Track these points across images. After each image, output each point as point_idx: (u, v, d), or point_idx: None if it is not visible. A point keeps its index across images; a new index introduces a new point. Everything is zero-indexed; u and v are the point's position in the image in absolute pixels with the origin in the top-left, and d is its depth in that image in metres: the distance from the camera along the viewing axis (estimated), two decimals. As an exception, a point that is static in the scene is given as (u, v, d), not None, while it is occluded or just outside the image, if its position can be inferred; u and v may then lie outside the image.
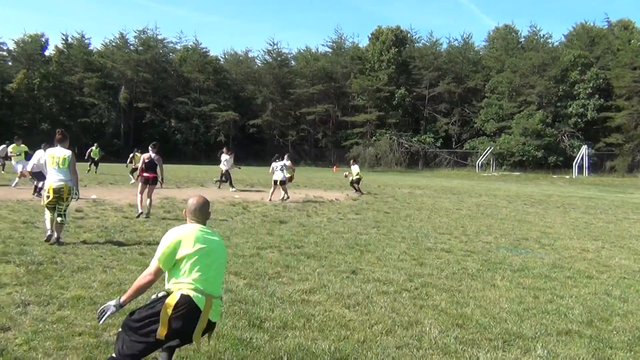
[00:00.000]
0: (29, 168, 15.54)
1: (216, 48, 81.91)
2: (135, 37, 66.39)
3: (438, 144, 61.01)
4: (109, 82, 62.96)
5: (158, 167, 12.29)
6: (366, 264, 7.72)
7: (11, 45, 64.48)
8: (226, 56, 74.73)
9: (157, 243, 8.36)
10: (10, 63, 64.31)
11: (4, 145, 22.76)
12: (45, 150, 15.96)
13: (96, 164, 27.88)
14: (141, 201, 11.91)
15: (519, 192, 26.60)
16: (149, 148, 12.63)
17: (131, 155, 24.24)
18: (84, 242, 8.42)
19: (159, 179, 12.41)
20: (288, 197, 17.24)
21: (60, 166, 8.32)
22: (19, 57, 63.20)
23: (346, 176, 22.12)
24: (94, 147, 28.66)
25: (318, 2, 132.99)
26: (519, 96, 56.55)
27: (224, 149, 21.35)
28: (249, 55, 74.67)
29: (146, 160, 12.28)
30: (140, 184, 12.29)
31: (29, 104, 58.46)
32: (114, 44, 67.28)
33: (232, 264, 7.25)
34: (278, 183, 17.36)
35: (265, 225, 11.46)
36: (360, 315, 5.25)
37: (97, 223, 10.50)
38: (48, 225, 8.32)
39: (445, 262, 8.15)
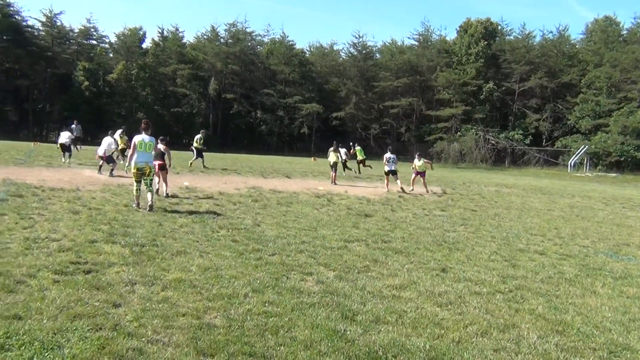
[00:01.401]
0: (100, 153, 17.38)
1: (302, 41, 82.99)
2: (225, 30, 68.40)
3: (527, 141, 58.40)
4: (200, 74, 65.37)
5: (166, 156, 13.26)
6: (456, 263, 7.57)
7: (112, 39, 68.77)
8: (312, 49, 75.40)
9: (248, 230, 8.69)
10: (111, 55, 68.37)
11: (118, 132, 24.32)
12: (112, 137, 18.16)
13: (200, 154, 23.67)
14: (159, 185, 13.04)
15: (616, 195, 25.00)
16: (158, 141, 13.94)
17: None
18: (181, 226, 8.84)
19: (168, 165, 13.46)
20: (402, 189, 18.63)
21: (147, 150, 10.74)
22: (119, 50, 67.05)
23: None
24: (200, 135, 24.25)
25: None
26: (618, 92, 52.96)
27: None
28: (334, 48, 74.79)
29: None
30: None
31: (127, 93, 61.88)
32: (205, 36, 69.69)
33: (321, 256, 7.36)
34: (390, 174, 19.00)
35: (351, 218, 11.51)
36: (454, 314, 5.16)
37: (190, 209, 10.98)
38: (135, 200, 10.56)
39: (540, 265, 7.83)
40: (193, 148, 23.77)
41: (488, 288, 6.21)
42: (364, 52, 70.14)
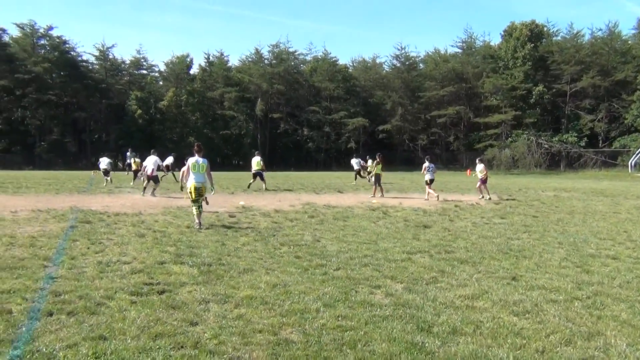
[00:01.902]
0: (149, 172, 18.71)
1: (345, 56, 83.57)
2: (269, 51, 69.61)
3: (582, 143, 56.49)
4: (247, 95, 66.60)
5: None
6: (525, 271, 7.35)
7: (162, 67, 71.26)
8: (354, 64, 75.73)
9: (309, 246, 8.72)
10: (161, 83, 70.79)
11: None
12: (156, 155, 19.13)
13: (260, 176, 22.82)
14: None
15: (685, 194, 23.77)
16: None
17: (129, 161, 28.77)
18: (243, 245, 8.97)
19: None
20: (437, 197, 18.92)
21: (200, 171, 11.22)
22: (169, 77, 69.30)
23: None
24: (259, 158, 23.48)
25: (445, 3, 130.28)
26: (678, 87, 50.71)
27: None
28: (377, 62, 74.94)
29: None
30: None
31: (178, 119, 63.72)
32: (250, 59, 71.14)
33: (386, 268, 7.30)
34: (430, 183, 19.44)
35: (409, 229, 11.39)
36: (533, 323, 4.99)
37: (250, 228, 11.12)
38: (197, 219, 10.95)
39: (615, 270, 7.50)
40: (258, 171, 22.65)
41: (564, 295, 5.99)
42: (407, 63, 69.92)
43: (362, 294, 5.94)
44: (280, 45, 69.47)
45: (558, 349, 4.36)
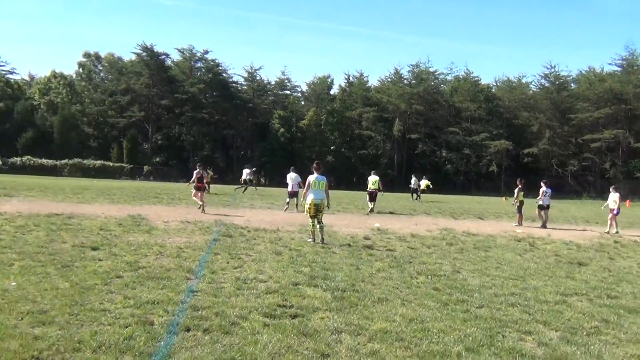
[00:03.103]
0: (290, 188, 19.92)
1: (488, 76, 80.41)
2: (408, 71, 69.50)
3: None
4: (385, 116, 66.85)
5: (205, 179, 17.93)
6: None
7: (304, 87, 74.27)
8: (498, 83, 72.77)
9: (448, 277, 8.13)
10: (302, 102, 73.74)
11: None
12: (295, 172, 20.15)
13: (373, 197, 21.83)
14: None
15: None
16: (198, 168, 18.23)
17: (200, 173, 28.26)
18: (378, 271, 8.63)
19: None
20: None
21: (320, 188, 11.73)
22: (310, 97, 71.99)
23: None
24: (377, 177, 22.44)
25: (602, 19, 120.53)
26: None
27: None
28: (523, 81, 71.19)
29: (198, 176, 17.61)
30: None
31: (317, 137, 65.68)
32: (389, 79, 71.46)
33: (536, 311, 6.53)
34: (545, 209, 18.57)
35: (562, 266, 10.28)
36: None
37: (385, 252, 10.76)
38: (312, 235, 11.65)
39: None
40: (374, 190, 21.53)
41: None
42: (557, 82, 65.64)
43: (510, 339, 5.29)
44: (420, 65, 69.01)
45: None
